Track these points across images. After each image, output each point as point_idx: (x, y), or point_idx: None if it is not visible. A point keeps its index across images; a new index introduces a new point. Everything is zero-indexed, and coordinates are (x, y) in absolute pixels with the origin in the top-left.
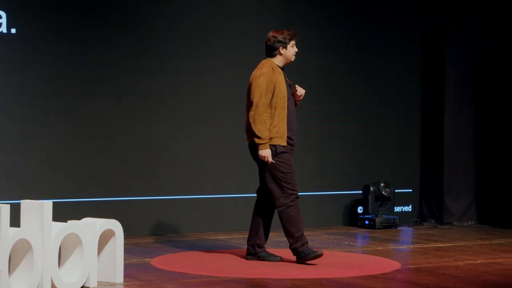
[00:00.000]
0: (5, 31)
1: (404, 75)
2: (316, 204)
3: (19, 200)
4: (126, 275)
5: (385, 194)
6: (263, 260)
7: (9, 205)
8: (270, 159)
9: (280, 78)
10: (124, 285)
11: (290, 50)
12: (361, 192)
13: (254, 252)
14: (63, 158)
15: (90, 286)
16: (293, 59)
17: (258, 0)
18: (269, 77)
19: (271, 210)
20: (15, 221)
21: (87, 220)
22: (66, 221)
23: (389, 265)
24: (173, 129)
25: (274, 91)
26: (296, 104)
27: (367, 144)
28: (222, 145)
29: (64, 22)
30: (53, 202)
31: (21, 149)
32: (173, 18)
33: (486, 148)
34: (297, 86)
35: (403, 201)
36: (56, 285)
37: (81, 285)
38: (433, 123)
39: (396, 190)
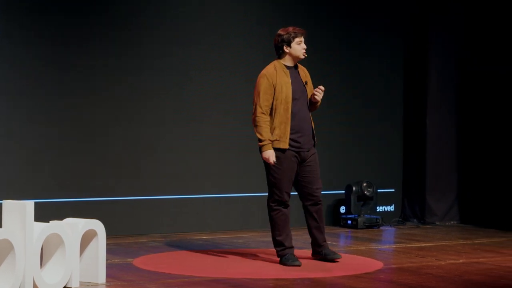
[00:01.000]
0: None
1: (387, 75)
2: (298, 204)
3: (1, 200)
4: (108, 275)
5: (368, 194)
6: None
7: None
8: (271, 160)
9: (284, 79)
10: (106, 285)
11: (296, 48)
12: (343, 192)
13: (314, 251)
14: (45, 158)
15: (72, 287)
16: (301, 57)
17: (242, 0)
18: (268, 78)
19: (308, 211)
20: None
21: (69, 221)
22: (48, 222)
23: (372, 265)
24: (156, 129)
25: (274, 92)
26: (314, 105)
27: (350, 144)
28: (204, 145)
29: (46, 22)
30: (35, 202)
31: (2, 149)
32: (156, 17)
33: (468, 148)
34: (316, 90)
35: (386, 201)
36: (38, 286)
37: (63, 286)
38: (415, 123)
39: (378, 190)
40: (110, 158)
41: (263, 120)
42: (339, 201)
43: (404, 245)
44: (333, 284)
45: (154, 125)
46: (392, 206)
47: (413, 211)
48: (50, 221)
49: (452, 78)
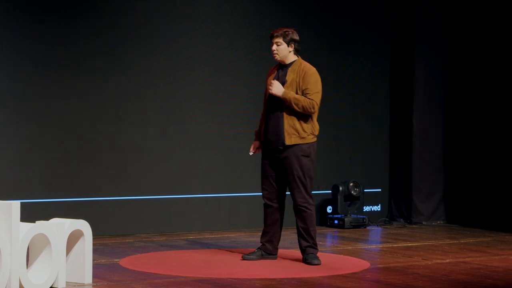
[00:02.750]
0: None
1: (373, 75)
2: (285, 204)
3: None
4: (95, 276)
5: (354, 193)
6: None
7: None
8: (250, 152)
9: (271, 77)
10: (93, 286)
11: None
12: (330, 192)
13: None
14: (31, 158)
15: (59, 287)
16: (275, 59)
17: (229, 2)
18: (268, 73)
19: (296, 214)
20: None
21: (55, 221)
22: (34, 222)
23: (359, 265)
24: (141, 128)
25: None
26: (284, 103)
27: (336, 143)
28: (191, 145)
29: (31, 21)
30: (21, 202)
31: None
32: (142, 16)
33: (454, 148)
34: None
35: (372, 201)
36: (24, 286)
37: (49, 286)
38: (402, 123)
39: (365, 190)
40: (97, 158)
41: (261, 113)
42: (326, 201)
43: (390, 245)
44: (320, 284)
45: (140, 125)
46: (379, 206)
47: (400, 211)
48: (36, 221)
49: (439, 78)
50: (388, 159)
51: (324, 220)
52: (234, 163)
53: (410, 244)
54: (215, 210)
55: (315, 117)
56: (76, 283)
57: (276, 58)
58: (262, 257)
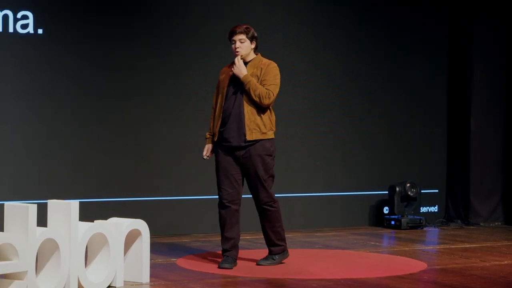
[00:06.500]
0: (32, 31)
1: (431, 75)
2: (342, 205)
3: (46, 200)
4: (152, 275)
5: (411, 194)
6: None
7: (36, 205)
8: (203, 154)
9: (227, 75)
10: (151, 285)
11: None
12: (387, 192)
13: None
14: (90, 158)
15: (117, 286)
16: (236, 56)
17: (284, 0)
18: (219, 74)
19: (260, 214)
20: (42, 221)
21: (113, 220)
22: (93, 221)
23: (416, 266)
24: (199, 129)
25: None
26: (247, 95)
27: (393, 144)
28: None
29: (91, 22)
30: (80, 202)
31: (48, 150)
32: (198, 18)
33: None
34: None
35: (429, 202)
36: (83, 285)
37: (107, 285)
38: (459, 123)
39: (422, 191)
40: (154, 158)
41: (211, 114)
42: (383, 202)
43: (448, 246)
44: (377, 284)
45: (197, 125)
46: (436, 207)
47: (457, 211)
48: (95, 221)
49: (497, 77)
50: (445, 159)
51: (381, 221)
52: (289, 163)
53: (467, 246)
54: None
55: (272, 111)
56: (134, 282)
57: (238, 55)
58: (235, 263)
